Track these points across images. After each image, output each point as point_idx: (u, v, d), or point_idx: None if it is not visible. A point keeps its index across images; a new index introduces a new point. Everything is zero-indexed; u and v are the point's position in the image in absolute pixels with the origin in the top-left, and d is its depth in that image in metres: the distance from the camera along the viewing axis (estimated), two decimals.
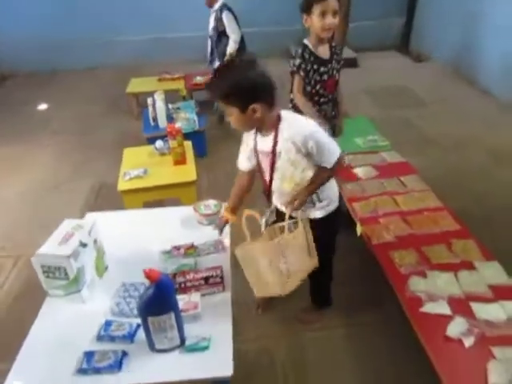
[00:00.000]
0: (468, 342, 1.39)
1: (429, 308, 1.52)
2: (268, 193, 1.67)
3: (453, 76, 5.03)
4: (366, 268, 2.15)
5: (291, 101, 2.18)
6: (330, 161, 1.52)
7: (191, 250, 1.63)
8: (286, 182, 1.57)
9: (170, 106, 3.48)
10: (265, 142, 1.54)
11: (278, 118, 1.50)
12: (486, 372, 1.31)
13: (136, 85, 4.42)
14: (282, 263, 1.44)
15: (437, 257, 1.76)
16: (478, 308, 1.51)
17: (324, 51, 2.10)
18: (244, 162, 1.70)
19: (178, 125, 2.75)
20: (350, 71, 4.99)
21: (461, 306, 1.53)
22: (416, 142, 3.56)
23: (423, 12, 5.88)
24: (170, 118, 3.34)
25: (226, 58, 3.72)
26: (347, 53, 5.37)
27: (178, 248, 1.64)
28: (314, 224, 1.56)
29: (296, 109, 2.10)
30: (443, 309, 1.51)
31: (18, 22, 5.51)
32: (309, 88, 2.10)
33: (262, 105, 1.42)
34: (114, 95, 4.78)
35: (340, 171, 2.14)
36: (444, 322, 1.47)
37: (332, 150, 1.52)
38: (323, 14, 1.95)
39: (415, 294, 1.59)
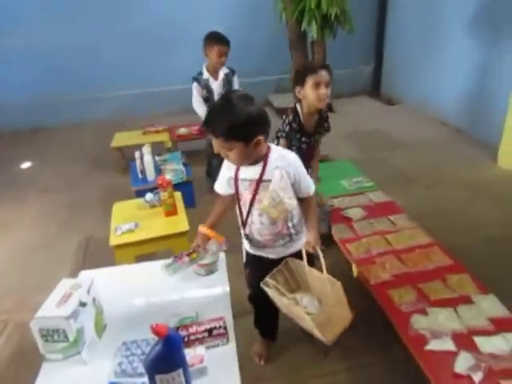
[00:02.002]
0: (477, 377, 1.39)
1: (434, 345, 1.53)
2: (244, 222, 1.69)
3: (424, 117, 5.30)
4: (364, 307, 2.14)
5: None
6: (312, 187, 1.67)
7: (193, 254, 1.62)
8: (274, 208, 1.59)
9: (157, 158, 3.53)
10: (251, 171, 1.58)
11: (268, 149, 1.58)
12: None
13: (120, 139, 4.48)
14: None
15: (434, 293, 1.79)
16: (481, 342, 1.52)
17: (311, 123, 2.19)
18: (223, 186, 1.72)
19: (166, 176, 2.79)
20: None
21: (464, 340, 1.54)
22: (397, 182, 3.68)
23: (391, 59, 6.28)
24: (158, 170, 3.38)
25: None
26: None
27: (180, 257, 1.62)
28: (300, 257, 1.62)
29: None
30: (448, 345, 1.52)
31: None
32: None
33: (265, 136, 1.50)
34: (99, 150, 4.82)
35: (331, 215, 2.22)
36: (450, 359, 1.47)
37: (310, 183, 1.68)
38: (317, 86, 2.03)
39: (418, 332, 1.60)
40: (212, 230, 1.74)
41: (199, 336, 1.42)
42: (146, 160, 3.31)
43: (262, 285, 1.58)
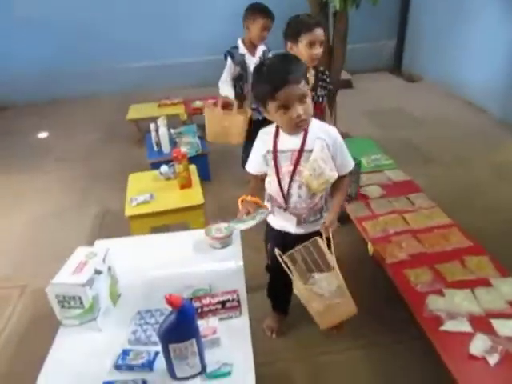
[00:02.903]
0: (493, 359, 1.37)
1: (449, 326, 1.51)
2: (285, 196, 1.64)
3: (447, 95, 5.13)
4: (378, 286, 2.13)
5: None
6: (350, 164, 1.64)
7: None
8: (315, 179, 1.55)
9: (172, 130, 3.51)
10: (291, 142, 1.55)
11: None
12: None
13: (136, 111, 4.46)
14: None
15: (452, 274, 1.75)
16: (499, 325, 1.49)
17: (309, 77, 2.07)
18: (257, 165, 1.68)
19: (182, 149, 2.77)
20: (346, 92, 5.08)
21: (481, 323, 1.51)
22: (417, 161, 3.60)
23: (413, 34, 6.04)
24: (173, 143, 3.36)
25: None
26: (343, 74, 5.49)
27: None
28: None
29: None
30: (464, 326, 1.50)
31: (15, 52, 5.58)
32: None
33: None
34: (114, 122, 4.82)
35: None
36: (466, 340, 1.45)
37: (350, 157, 1.65)
38: (311, 44, 1.97)
39: (434, 313, 1.57)
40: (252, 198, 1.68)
41: (212, 308, 1.42)
42: (161, 132, 3.29)
43: (286, 257, 1.56)
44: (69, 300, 1.33)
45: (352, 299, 1.54)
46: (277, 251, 1.57)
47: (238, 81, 2.93)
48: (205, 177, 3.18)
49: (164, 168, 2.70)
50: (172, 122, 3.76)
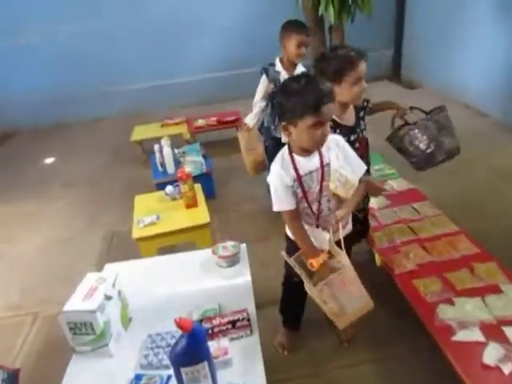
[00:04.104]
0: (507, 368, 1.35)
1: (461, 336, 1.50)
2: (317, 215, 1.63)
3: (447, 101, 5.13)
4: (387, 297, 2.12)
5: None
6: (361, 169, 1.65)
7: None
8: (342, 188, 1.57)
9: (176, 150, 3.55)
10: (311, 162, 1.56)
11: None
12: None
13: (140, 132, 4.52)
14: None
15: (461, 282, 1.75)
16: (511, 332, 1.48)
17: (349, 116, 1.85)
18: (289, 200, 1.59)
19: (186, 169, 2.80)
20: None
21: (494, 331, 1.50)
22: None
23: (411, 42, 6.09)
24: (177, 163, 3.40)
25: None
26: None
27: None
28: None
29: None
30: (476, 335, 1.49)
31: (17, 79, 5.69)
32: None
33: None
34: (118, 144, 4.88)
35: None
36: (479, 349, 1.44)
37: (359, 160, 1.66)
38: (356, 82, 1.71)
39: (445, 323, 1.57)
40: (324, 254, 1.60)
41: (223, 328, 1.43)
42: (166, 153, 3.33)
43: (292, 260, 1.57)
44: (80, 326, 1.35)
45: (367, 294, 1.53)
46: (284, 253, 1.59)
47: (271, 99, 2.80)
48: (209, 194, 3.20)
49: (169, 188, 2.73)
50: (175, 141, 3.81)
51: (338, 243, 1.56)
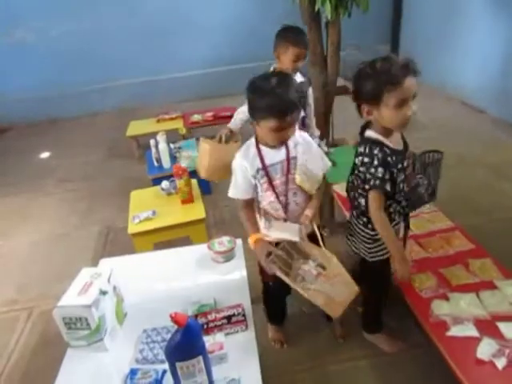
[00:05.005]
0: (500, 363, 1.36)
1: (455, 331, 1.51)
2: (285, 208, 1.65)
3: (444, 97, 5.15)
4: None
5: (362, 222, 1.70)
6: (324, 167, 1.66)
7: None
8: (306, 181, 1.60)
9: (172, 145, 3.54)
10: (276, 153, 1.58)
11: None
12: None
13: (135, 127, 4.50)
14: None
15: (456, 278, 1.76)
16: (505, 327, 1.49)
17: (397, 139, 1.58)
18: (243, 191, 1.64)
19: (182, 164, 2.79)
20: (343, 99, 5.10)
21: (487, 326, 1.51)
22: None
23: (408, 38, 6.09)
24: (173, 158, 3.39)
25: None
26: (339, 82, 5.53)
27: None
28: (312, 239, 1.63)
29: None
30: (470, 331, 1.50)
31: (12, 74, 5.64)
32: (396, 196, 1.61)
33: None
34: (114, 139, 4.86)
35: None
36: (473, 345, 1.45)
37: (325, 157, 1.69)
38: (402, 104, 1.40)
39: (439, 318, 1.58)
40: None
41: (218, 323, 1.43)
42: (161, 148, 3.32)
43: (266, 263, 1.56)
44: (75, 322, 1.34)
45: (352, 280, 1.52)
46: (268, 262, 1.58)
47: None
48: (205, 190, 3.19)
49: (165, 183, 2.72)
50: (171, 136, 3.80)
51: (316, 241, 1.59)
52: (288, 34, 2.34)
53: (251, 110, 1.51)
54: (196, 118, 4.47)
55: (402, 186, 1.58)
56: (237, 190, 1.65)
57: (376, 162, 1.49)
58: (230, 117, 4.60)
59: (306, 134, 1.69)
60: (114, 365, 1.35)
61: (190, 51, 5.85)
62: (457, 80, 5.04)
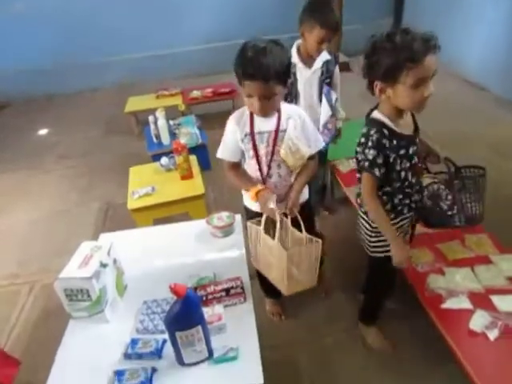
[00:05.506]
0: (492, 334, 1.39)
1: (450, 304, 1.54)
2: (264, 177, 1.66)
3: (445, 74, 5.08)
4: None
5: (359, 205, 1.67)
6: (316, 146, 1.65)
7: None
8: (291, 156, 1.60)
9: (171, 122, 3.52)
10: (267, 124, 1.59)
11: None
12: None
13: (134, 103, 4.46)
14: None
15: (452, 253, 1.78)
16: (498, 300, 1.52)
17: (407, 122, 1.47)
18: (231, 153, 1.66)
19: (181, 140, 2.78)
20: (344, 75, 5.03)
21: (481, 299, 1.54)
22: None
23: (410, 13, 5.96)
24: (172, 134, 3.37)
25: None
26: (340, 57, 5.44)
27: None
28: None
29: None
30: (464, 303, 1.53)
31: (9, 49, 5.55)
32: (396, 184, 1.50)
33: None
34: (113, 116, 4.82)
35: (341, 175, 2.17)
36: (466, 317, 1.48)
37: (319, 136, 1.68)
38: (419, 84, 1.30)
39: (435, 292, 1.61)
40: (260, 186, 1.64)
41: (217, 295, 1.45)
42: (160, 124, 3.30)
43: (248, 223, 1.62)
44: (76, 293, 1.36)
45: (315, 273, 1.52)
46: (248, 223, 1.62)
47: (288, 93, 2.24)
48: (205, 166, 3.19)
49: (164, 160, 2.72)
50: (170, 113, 3.77)
51: (298, 226, 1.56)
52: (316, 12, 2.05)
53: (237, 70, 1.47)
54: (195, 94, 4.42)
55: (404, 174, 1.45)
56: (225, 150, 1.67)
57: (370, 144, 1.39)
58: (230, 93, 4.57)
59: (303, 112, 1.66)
60: (115, 335, 1.37)
61: (191, 26, 5.73)
62: (460, 57, 4.96)
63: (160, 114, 3.34)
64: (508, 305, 1.49)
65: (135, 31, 5.66)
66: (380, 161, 1.39)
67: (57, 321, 1.49)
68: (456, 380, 1.51)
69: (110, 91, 5.61)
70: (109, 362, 1.28)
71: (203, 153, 3.35)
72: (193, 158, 2.73)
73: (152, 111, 3.52)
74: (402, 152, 1.42)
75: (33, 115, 5.33)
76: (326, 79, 2.25)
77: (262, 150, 1.61)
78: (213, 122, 4.16)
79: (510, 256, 1.73)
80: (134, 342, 1.32)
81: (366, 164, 1.41)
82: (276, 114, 1.58)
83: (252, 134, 1.59)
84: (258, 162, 1.64)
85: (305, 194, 1.78)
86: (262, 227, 1.56)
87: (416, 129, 1.49)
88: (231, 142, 1.64)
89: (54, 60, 5.64)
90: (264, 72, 1.40)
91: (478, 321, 1.44)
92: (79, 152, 4.19)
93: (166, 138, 3.32)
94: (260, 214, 1.67)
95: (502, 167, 3.14)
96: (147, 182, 2.54)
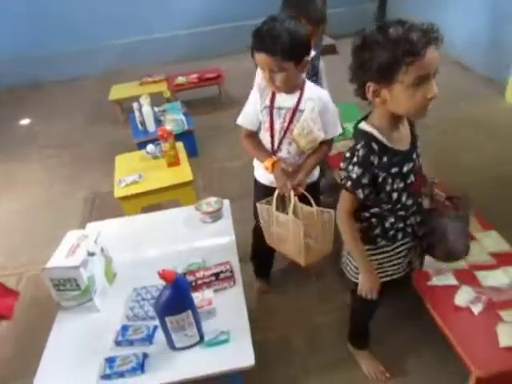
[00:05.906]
0: (476, 309, 1.43)
1: (436, 281, 1.57)
2: (274, 151, 1.67)
3: None
4: None
5: None
6: (333, 132, 1.66)
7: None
8: (303, 137, 1.60)
9: (156, 109, 3.47)
10: (287, 100, 1.59)
11: (303, 80, 1.61)
12: (497, 335, 1.35)
13: (118, 91, 4.38)
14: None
15: None
16: (482, 276, 1.56)
17: (402, 136, 1.24)
18: (250, 120, 1.67)
19: (167, 127, 2.75)
20: (331, 58, 5.00)
21: (466, 276, 1.58)
22: None
23: None
24: (158, 121, 3.33)
25: None
26: (326, 40, 5.39)
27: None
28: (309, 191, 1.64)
29: None
30: (449, 280, 1.57)
31: None
32: (386, 206, 1.28)
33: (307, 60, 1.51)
34: (97, 104, 4.73)
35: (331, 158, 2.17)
36: (451, 293, 1.52)
37: (338, 123, 1.67)
38: (419, 83, 1.07)
39: (423, 270, 1.63)
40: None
41: (206, 280, 1.47)
42: (145, 111, 3.25)
43: (257, 205, 1.67)
44: (64, 283, 1.36)
45: (304, 252, 1.58)
46: (258, 205, 1.66)
47: None
48: (192, 153, 3.17)
49: (150, 147, 2.69)
50: (155, 100, 3.70)
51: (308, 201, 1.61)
52: (300, 7, 1.77)
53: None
54: (180, 80, 4.35)
55: (396, 195, 1.24)
56: (244, 118, 1.69)
57: (355, 159, 1.17)
58: (216, 78, 4.50)
59: (327, 96, 1.65)
60: (105, 323, 1.38)
61: (175, 10, 5.60)
62: (445, 37, 4.96)
63: (144, 101, 3.29)
64: (492, 280, 1.53)
65: (118, 17, 5.52)
66: (365, 181, 1.18)
67: (46, 311, 1.48)
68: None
69: (94, 79, 5.50)
70: (100, 350, 1.29)
71: (190, 139, 3.33)
72: (179, 145, 2.70)
73: (136, 99, 3.46)
74: (395, 170, 1.20)
75: (14, 104, 5.20)
76: (313, 76, 2.12)
77: (278, 125, 1.61)
78: (199, 108, 4.13)
79: (493, 233, 1.77)
80: (124, 328, 1.33)
81: (349, 184, 1.21)
82: (298, 93, 1.58)
83: (271, 107, 1.60)
84: (271, 135, 1.64)
85: (314, 175, 1.79)
86: (273, 205, 1.61)
87: (414, 141, 1.26)
88: (251, 110, 1.65)
89: (35, 48, 5.47)
90: (270, 45, 1.41)
91: (463, 296, 1.48)
92: (63, 141, 4.11)
93: (151, 125, 3.27)
94: (268, 188, 1.72)
95: (488, 148, 3.17)
96: (134, 170, 2.51)
